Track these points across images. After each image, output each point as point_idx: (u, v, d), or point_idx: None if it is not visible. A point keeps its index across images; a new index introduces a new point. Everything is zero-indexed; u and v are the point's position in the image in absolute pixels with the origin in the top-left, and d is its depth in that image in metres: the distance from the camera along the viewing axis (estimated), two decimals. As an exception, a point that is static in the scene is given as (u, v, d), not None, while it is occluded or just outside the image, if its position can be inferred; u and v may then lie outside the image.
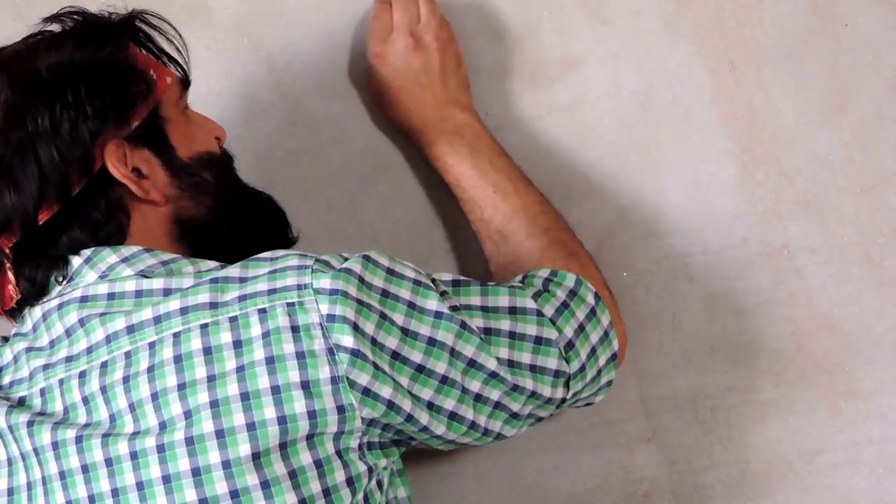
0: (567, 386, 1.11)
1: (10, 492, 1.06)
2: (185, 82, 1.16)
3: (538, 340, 1.09)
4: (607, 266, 1.33)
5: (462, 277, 1.11)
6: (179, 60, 1.17)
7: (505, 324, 1.09)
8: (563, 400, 1.13)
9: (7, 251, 1.07)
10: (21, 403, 1.06)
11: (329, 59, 1.35)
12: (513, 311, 1.09)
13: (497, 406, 1.08)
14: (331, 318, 0.99)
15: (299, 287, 1.01)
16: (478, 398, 1.07)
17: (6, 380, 1.09)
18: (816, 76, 1.34)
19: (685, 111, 1.34)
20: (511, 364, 1.08)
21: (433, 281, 1.09)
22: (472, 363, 1.06)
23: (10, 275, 1.08)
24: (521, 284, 1.13)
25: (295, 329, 0.99)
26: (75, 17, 1.11)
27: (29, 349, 1.07)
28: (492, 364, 1.06)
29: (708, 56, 1.34)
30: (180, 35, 1.16)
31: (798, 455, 1.33)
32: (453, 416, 1.05)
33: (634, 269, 1.34)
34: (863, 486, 1.33)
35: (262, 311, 1.00)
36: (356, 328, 1.00)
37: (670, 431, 1.34)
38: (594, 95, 1.34)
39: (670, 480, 1.34)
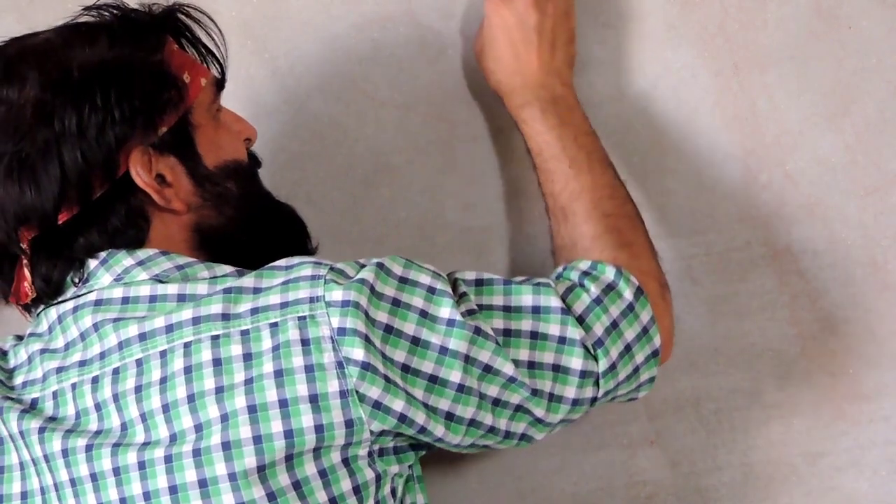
0: (597, 385, 1.09)
1: (25, 495, 1.06)
2: (219, 83, 1.14)
3: (561, 340, 1.07)
4: (611, 268, 1.33)
5: (486, 275, 1.09)
6: (218, 56, 1.15)
7: (527, 324, 1.06)
8: (595, 399, 1.09)
9: (24, 246, 1.06)
10: (33, 406, 1.06)
11: (333, 62, 1.35)
12: (536, 310, 1.07)
13: (518, 409, 1.06)
14: (342, 331, 0.99)
15: (311, 300, 1.00)
16: (496, 402, 1.05)
17: (19, 380, 1.09)
18: (820, 79, 1.34)
19: (689, 114, 1.34)
20: (531, 365, 1.06)
21: (454, 282, 1.07)
22: (488, 369, 1.04)
23: (27, 271, 1.07)
24: (548, 281, 1.10)
25: (305, 342, 0.99)
26: (113, 10, 1.09)
27: (44, 350, 1.07)
28: (509, 369, 1.04)
29: (711, 59, 1.34)
30: (220, 31, 1.15)
31: (801, 457, 1.33)
32: (472, 423, 1.04)
33: (638, 272, 1.34)
34: (866, 488, 1.33)
35: (274, 326, 1.00)
36: (367, 340, 0.99)
37: (673, 433, 1.34)
38: (598, 98, 1.34)
39: (673, 483, 1.34)
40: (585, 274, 1.12)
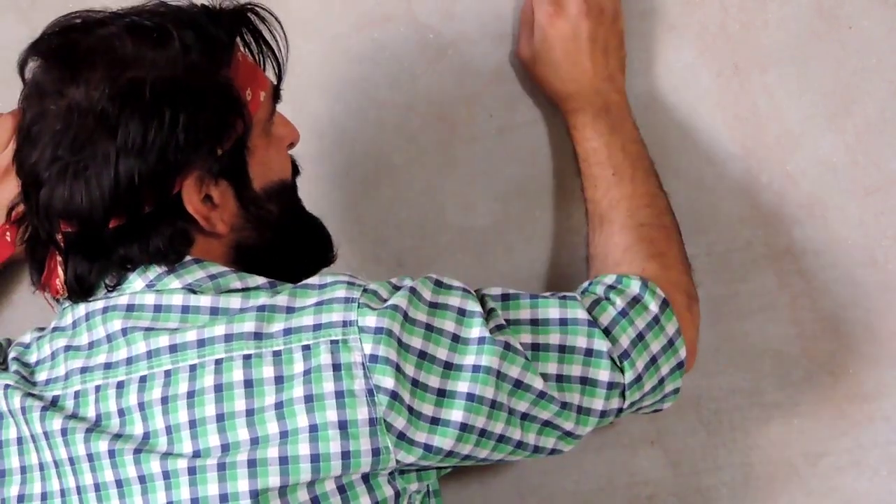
0: (623, 396, 1.09)
1: (45, 496, 1.06)
2: (276, 92, 1.12)
3: (588, 352, 1.07)
4: (611, 269, 1.33)
5: (512, 291, 1.09)
6: (279, 60, 1.12)
7: (554, 337, 1.06)
8: (620, 409, 1.10)
9: (59, 238, 1.04)
10: (54, 403, 1.06)
11: (333, 62, 1.35)
12: (563, 322, 1.07)
13: (547, 424, 1.06)
14: (373, 358, 0.99)
15: (345, 324, 1.00)
16: (525, 416, 1.05)
17: (42, 376, 1.08)
18: (820, 79, 1.34)
19: (689, 114, 1.34)
20: (560, 379, 1.06)
21: (482, 298, 1.07)
22: (518, 384, 1.03)
23: (59, 268, 1.06)
24: (574, 294, 1.11)
25: (336, 367, 0.99)
26: (184, 7, 1.06)
27: (68, 347, 1.06)
28: (538, 384, 1.04)
29: (712, 59, 1.34)
30: (285, 34, 1.12)
31: (802, 457, 1.33)
32: (501, 439, 1.04)
33: (638, 272, 1.34)
34: (867, 488, 1.33)
35: (307, 348, 0.99)
36: (398, 369, 0.99)
37: (674, 433, 1.34)
38: (598, 98, 1.34)
39: (674, 483, 1.34)
40: (611, 288, 1.12)
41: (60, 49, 1.03)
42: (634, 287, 1.12)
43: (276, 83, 1.12)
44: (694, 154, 1.34)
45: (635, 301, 1.11)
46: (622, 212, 1.21)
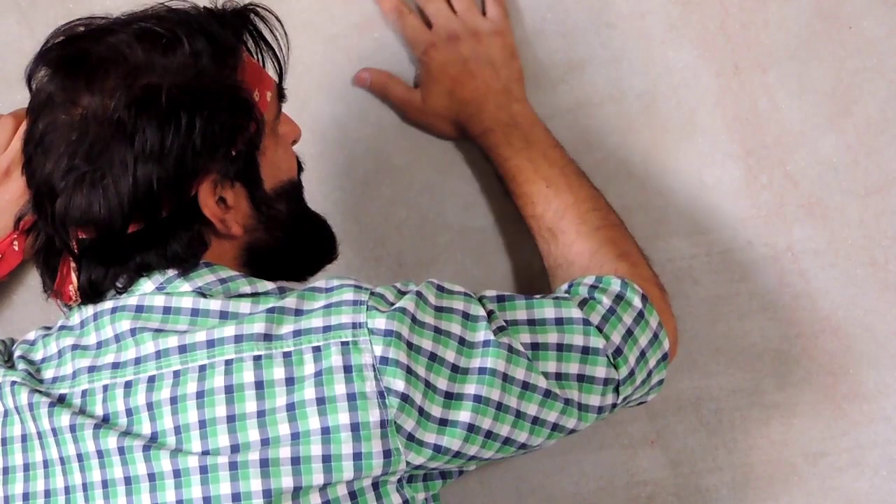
0: (616, 391, 1.10)
1: (48, 493, 1.06)
2: (280, 91, 1.13)
3: (585, 350, 1.08)
4: (611, 269, 1.33)
5: (507, 293, 1.10)
6: (281, 60, 1.13)
7: (552, 336, 1.08)
8: (614, 405, 1.11)
9: (74, 245, 1.04)
10: (61, 401, 1.06)
11: (333, 62, 1.35)
12: (559, 322, 1.08)
13: (555, 428, 1.08)
14: (384, 360, 0.99)
15: (354, 325, 1.00)
16: (535, 421, 1.06)
17: (49, 374, 1.08)
18: (821, 79, 1.34)
19: (690, 114, 1.34)
20: (558, 377, 1.07)
21: (480, 300, 1.08)
22: (525, 386, 1.05)
23: (73, 274, 1.07)
24: (566, 295, 1.12)
25: (347, 369, 0.99)
26: (187, 10, 1.06)
27: (75, 346, 1.07)
28: (542, 383, 1.05)
29: (712, 59, 1.34)
30: (285, 32, 1.13)
31: (802, 457, 1.34)
32: (507, 441, 1.05)
33: (638, 272, 1.34)
34: (867, 488, 1.33)
35: (317, 350, 1.00)
36: (409, 371, 1.00)
37: (674, 433, 1.34)
38: (598, 98, 1.34)
39: (674, 483, 1.34)
40: (593, 287, 1.13)
41: (71, 58, 1.03)
42: (615, 286, 1.13)
43: (278, 82, 1.13)
44: (694, 154, 1.34)
45: (619, 298, 1.12)
46: (572, 220, 1.21)
